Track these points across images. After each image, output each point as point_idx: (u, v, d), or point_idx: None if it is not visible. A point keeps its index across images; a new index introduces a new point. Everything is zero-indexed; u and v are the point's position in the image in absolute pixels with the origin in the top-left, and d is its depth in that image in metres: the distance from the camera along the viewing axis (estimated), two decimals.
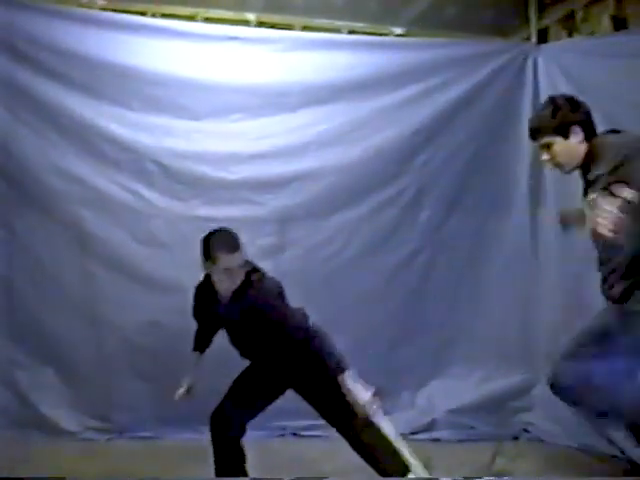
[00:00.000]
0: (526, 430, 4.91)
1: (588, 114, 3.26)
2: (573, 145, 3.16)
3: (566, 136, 3.15)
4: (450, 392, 4.97)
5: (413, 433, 4.58)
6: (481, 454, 4.37)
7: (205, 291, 3.46)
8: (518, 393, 5.04)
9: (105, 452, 4.38)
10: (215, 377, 4.51)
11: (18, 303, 4.60)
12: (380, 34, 5.29)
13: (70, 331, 4.63)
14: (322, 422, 4.42)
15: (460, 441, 4.78)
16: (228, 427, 3.39)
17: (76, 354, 4.64)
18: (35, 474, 3.75)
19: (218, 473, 3.38)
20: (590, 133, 3.20)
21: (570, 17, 5.31)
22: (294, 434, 4.73)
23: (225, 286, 3.28)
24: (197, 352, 3.79)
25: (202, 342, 3.78)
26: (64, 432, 4.55)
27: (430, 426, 4.85)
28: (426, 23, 5.39)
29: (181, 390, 3.68)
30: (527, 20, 5.40)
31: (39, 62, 4.62)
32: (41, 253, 4.63)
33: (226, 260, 3.21)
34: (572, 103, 3.24)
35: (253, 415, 3.45)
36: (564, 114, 3.18)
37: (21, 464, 3.94)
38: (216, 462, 3.39)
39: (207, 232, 3.38)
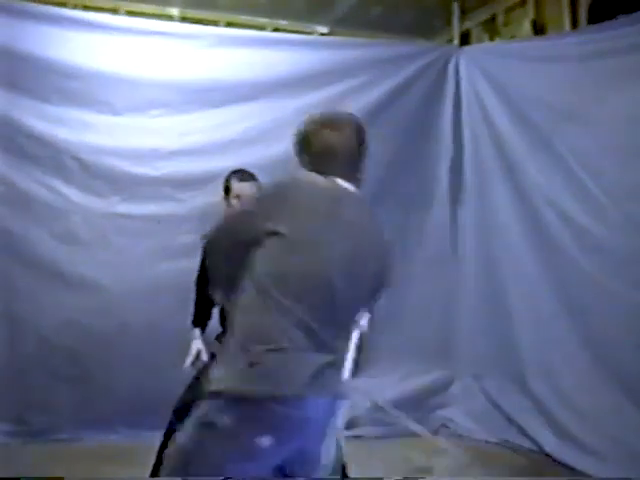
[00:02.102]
0: (445, 426, 5.00)
1: None
2: None
3: None
4: (372, 389, 4.98)
5: None
6: (401, 450, 4.44)
7: None
8: (437, 390, 5.15)
9: (19, 456, 4.23)
10: (133, 375, 4.55)
11: None
12: (304, 33, 5.32)
13: None
14: None
15: (381, 437, 4.81)
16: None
17: None
18: None
19: (154, 473, 3.18)
20: None
21: (492, 21, 5.44)
22: None
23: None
24: (197, 329, 3.57)
25: (202, 315, 3.57)
26: None
27: (351, 423, 4.86)
28: (351, 23, 5.45)
29: (189, 359, 3.46)
30: (450, 23, 5.50)
31: None
32: None
33: (237, 187, 3.38)
34: None
35: None
36: None
37: None
38: (158, 461, 3.14)
39: None
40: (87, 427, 4.48)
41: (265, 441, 1.86)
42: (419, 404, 5.04)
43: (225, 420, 1.88)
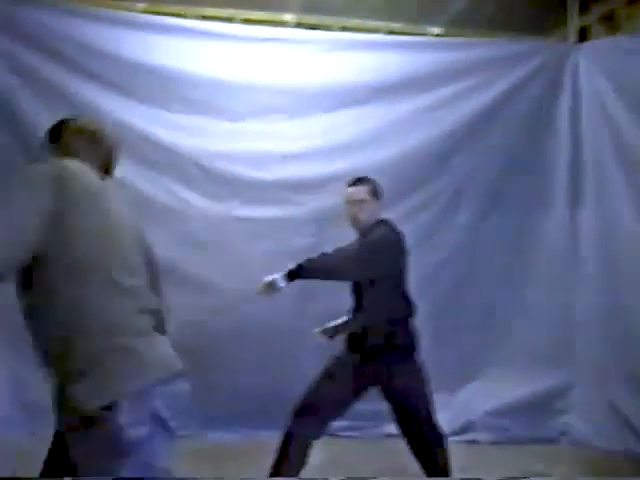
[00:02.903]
0: (565, 433, 4.87)
1: None
2: None
3: None
4: (488, 394, 4.93)
5: (450, 435, 4.56)
6: (518, 457, 4.34)
7: None
8: (555, 396, 5.00)
9: None
10: (253, 375, 4.62)
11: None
12: (418, 34, 5.27)
13: None
14: (357, 423, 4.53)
15: (496, 443, 4.75)
16: (307, 428, 3.28)
17: None
18: None
19: (275, 472, 3.27)
20: None
21: (611, 15, 5.24)
22: (331, 434, 4.72)
23: (349, 219, 3.43)
24: None
25: None
26: None
27: (467, 428, 4.82)
28: (464, 23, 5.36)
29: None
30: (566, 19, 5.34)
31: (79, 65, 4.69)
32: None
33: (348, 193, 3.44)
34: None
35: (337, 417, 3.39)
36: None
37: None
38: (277, 461, 3.27)
39: None
40: (208, 425, 4.57)
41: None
42: (536, 410, 4.92)
43: None
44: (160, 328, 2.02)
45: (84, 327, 1.87)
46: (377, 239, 3.28)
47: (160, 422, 1.89)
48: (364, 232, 3.39)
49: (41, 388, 4.52)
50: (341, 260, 3.22)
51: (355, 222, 3.42)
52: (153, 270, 2.11)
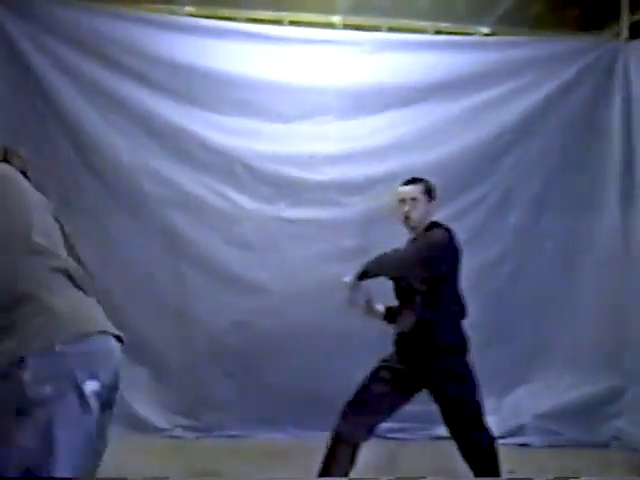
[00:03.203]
0: (617, 438, 4.79)
1: None
2: None
3: None
4: (538, 397, 4.88)
5: (500, 437, 4.52)
6: (568, 461, 4.28)
7: None
8: (607, 399, 4.91)
9: (193, 450, 4.47)
10: (301, 376, 4.65)
11: (112, 302, 4.70)
12: (466, 34, 5.23)
13: (162, 330, 4.75)
14: (408, 425, 4.52)
15: (547, 447, 4.68)
16: (356, 431, 3.28)
17: (167, 353, 4.76)
18: (124, 471, 3.85)
19: (323, 474, 3.26)
20: None
21: None
22: (378, 436, 4.72)
23: (400, 217, 3.42)
24: None
25: None
26: (154, 429, 4.66)
27: (517, 431, 4.77)
28: (512, 21, 5.30)
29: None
30: (617, 16, 5.25)
31: (132, 69, 4.78)
32: (134, 253, 4.76)
33: (401, 191, 3.45)
34: None
35: (385, 418, 3.38)
36: None
37: (109, 459, 4.06)
38: (325, 462, 3.27)
39: None
40: (256, 425, 4.64)
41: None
42: (587, 414, 4.85)
43: None
44: (82, 287, 1.98)
45: None
46: (437, 240, 3.29)
47: (76, 386, 1.78)
48: (417, 232, 3.38)
49: None
50: (403, 259, 3.28)
51: (406, 221, 3.41)
52: (66, 236, 2.08)
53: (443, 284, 3.30)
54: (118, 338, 1.97)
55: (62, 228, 2.12)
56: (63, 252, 1.99)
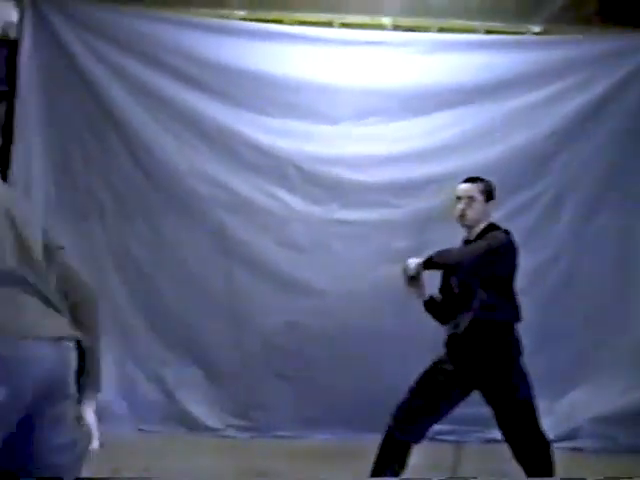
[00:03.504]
0: None
1: None
2: None
3: None
4: (593, 400, 4.80)
5: (553, 441, 4.45)
6: (623, 466, 4.19)
7: None
8: None
9: (245, 450, 4.49)
10: (352, 377, 4.65)
11: (165, 303, 4.83)
12: (518, 33, 5.16)
13: (214, 332, 4.81)
14: (459, 427, 4.48)
15: (602, 451, 4.59)
16: (408, 432, 3.27)
17: (219, 354, 4.81)
18: (175, 471, 3.91)
19: (375, 475, 3.27)
20: None
21: None
22: (431, 438, 4.68)
23: (456, 215, 3.40)
24: None
25: None
26: (206, 428, 4.71)
27: (571, 435, 4.69)
28: (564, 20, 5.22)
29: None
30: None
31: (181, 72, 4.86)
32: (186, 255, 4.83)
33: (458, 188, 3.44)
34: None
35: (437, 420, 3.36)
36: None
37: (163, 458, 4.14)
38: (377, 463, 3.27)
39: None
40: (308, 426, 4.66)
41: None
42: None
43: None
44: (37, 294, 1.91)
45: None
46: (501, 242, 3.29)
47: None
48: (473, 233, 3.36)
49: (149, 384, 4.78)
50: (469, 255, 3.29)
51: (461, 219, 3.39)
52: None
53: (501, 286, 3.28)
54: (77, 342, 1.89)
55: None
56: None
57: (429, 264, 3.27)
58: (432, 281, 3.44)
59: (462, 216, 3.39)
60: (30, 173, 4.76)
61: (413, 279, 3.32)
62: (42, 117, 4.78)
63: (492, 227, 3.38)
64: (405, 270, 3.31)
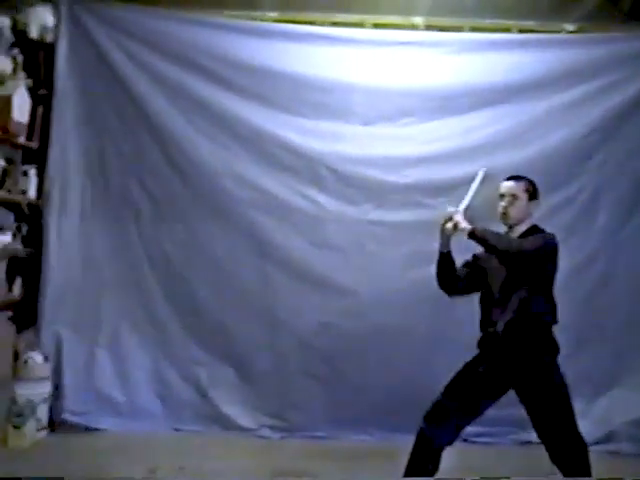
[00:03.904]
0: None
1: None
2: None
3: None
4: (629, 402, 4.72)
5: (589, 444, 4.39)
6: None
7: None
8: None
9: (279, 450, 4.50)
10: (386, 378, 4.64)
11: (199, 303, 4.86)
12: (551, 32, 5.11)
13: (248, 331, 4.83)
14: (493, 429, 4.45)
15: (638, 455, 4.49)
16: (440, 434, 3.24)
17: (253, 354, 4.83)
18: (208, 470, 3.94)
19: (408, 476, 3.26)
20: None
21: None
22: (464, 440, 4.66)
23: (498, 213, 3.41)
24: None
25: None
26: (240, 428, 4.73)
27: (607, 438, 4.62)
28: (600, 17, 5.16)
29: None
30: None
31: (215, 74, 4.90)
32: (220, 255, 4.85)
33: (502, 186, 3.45)
34: None
35: (469, 422, 3.32)
36: None
37: (198, 458, 4.18)
38: (410, 465, 3.25)
39: None
40: (341, 426, 4.65)
41: None
42: None
43: None
44: None
45: None
46: (550, 239, 3.28)
47: None
48: (515, 232, 3.35)
49: (183, 384, 4.82)
50: (517, 241, 3.29)
51: (503, 217, 3.38)
52: None
53: (542, 287, 3.26)
54: None
55: None
56: None
57: (475, 237, 3.28)
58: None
59: (504, 214, 3.38)
60: (66, 175, 4.82)
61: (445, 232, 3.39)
62: (78, 119, 4.85)
63: (536, 229, 3.36)
64: (447, 223, 3.37)
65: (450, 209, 3.41)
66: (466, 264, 3.53)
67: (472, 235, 3.28)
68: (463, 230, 3.30)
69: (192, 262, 4.87)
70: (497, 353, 3.29)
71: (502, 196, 3.40)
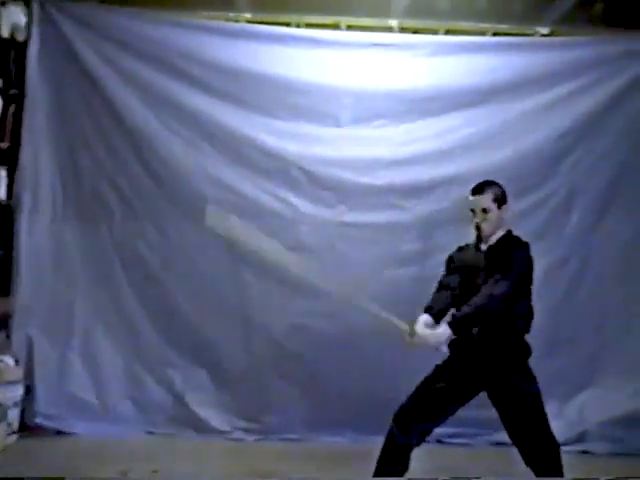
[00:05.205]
0: None
1: None
2: None
3: None
4: (602, 403, 4.76)
5: (562, 444, 4.42)
6: (633, 470, 4.17)
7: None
8: None
9: (253, 452, 4.48)
10: (360, 379, 4.64)
11: (173, 305, 4.83)
12: (525, 35, 5.15)
13: (222, 334, 4.80)
14: (466, 430, 4.47)
15: (611, 454, 4.55)
16: (409, 434, 3.22)
17: (227, 356, 4.81)
18: (183, 473, 3.91)
19: (377, 475, 3.23)
20: None
21: None
22: (438, 441, 4.66)
23: (473, 227, 3.34)
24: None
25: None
26: (214, 431, 4.70)
27: (581, 438, 4.66)
28: (573, 21, 5.21)
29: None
30: None
31: (189, 75, 4.88)
32: (193, 257, 4.83)
33: (471, 201, 3.34)
34: None
35: (438, 423, 3.30)
36: None
37: (171, 461, 4.14)
38: (379, 465, 3.24)
39: None
40: (315, 428, 4.65)
41: None
42: None
43: None
44: None
45: None
46: (526, 263, 3.23)
47: None
48: (491, 239, 3.32)
49: (156, 387, 4.78)
50: (495, 303, 3.14)
51: (478, 231, 3.35)
52: None
53: (517, 295, 3.24)
54: None
55: None
56: None
57: (457, 327, 3.15)
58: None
59: (479, 229, 3.34)
60: (38, 175, 4.78)
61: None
62: (50, 119, 4.81)
63: (510, 236, 3.32)
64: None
65: (403, 326, 3.33)
66: (449, 270, 3.45)
67: (454, 329, 3.16)
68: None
69: (165, 264, 4.84)
70: (470, 355, 3.28)
71: (473, 211, 3.33)
